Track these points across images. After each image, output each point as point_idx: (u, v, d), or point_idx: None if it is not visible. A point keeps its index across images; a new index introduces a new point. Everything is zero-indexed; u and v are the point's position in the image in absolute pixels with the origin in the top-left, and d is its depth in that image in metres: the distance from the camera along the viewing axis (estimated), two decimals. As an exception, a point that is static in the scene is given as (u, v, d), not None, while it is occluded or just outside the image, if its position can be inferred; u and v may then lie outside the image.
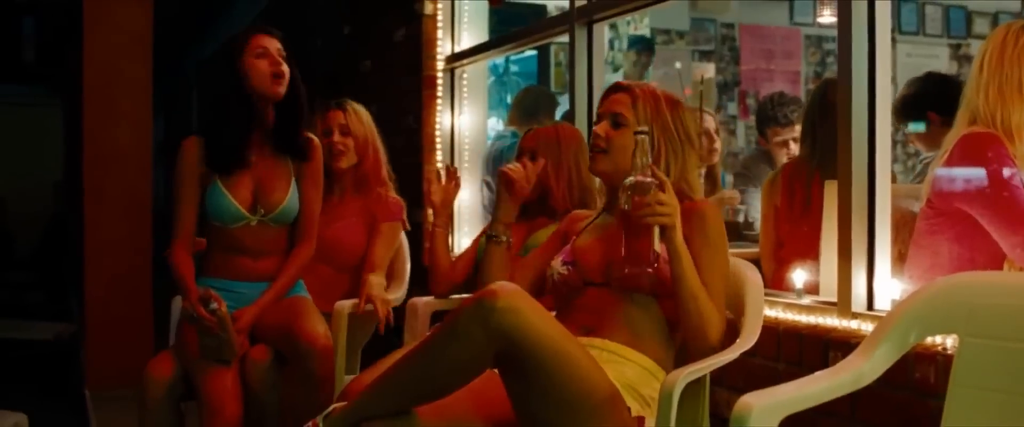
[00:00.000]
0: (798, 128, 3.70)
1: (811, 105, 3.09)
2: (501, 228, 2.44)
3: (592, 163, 2.23)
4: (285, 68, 2.71)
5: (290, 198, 2.78)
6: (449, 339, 1.83)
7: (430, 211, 3.16)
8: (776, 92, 4.33)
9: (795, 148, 3.70)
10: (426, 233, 4.47)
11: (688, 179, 2.21)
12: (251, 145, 2.75)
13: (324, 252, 3.03)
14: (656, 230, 1.94)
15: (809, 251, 2.71)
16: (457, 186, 3.14)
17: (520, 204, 2.53)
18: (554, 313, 2.12)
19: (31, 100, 12.53)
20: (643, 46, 5.89)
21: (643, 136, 1.98)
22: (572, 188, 2.80)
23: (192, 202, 2.75)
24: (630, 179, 1.95)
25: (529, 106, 4.84)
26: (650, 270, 1.97)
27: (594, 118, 2.23)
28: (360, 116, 3.22)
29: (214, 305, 2.55)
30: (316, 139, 2.89)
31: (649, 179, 1.94)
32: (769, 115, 3.99)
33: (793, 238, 2.95)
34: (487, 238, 2.44)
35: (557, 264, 2.23)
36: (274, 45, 2.72)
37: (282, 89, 2.71)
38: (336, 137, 3.16)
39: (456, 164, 4.45)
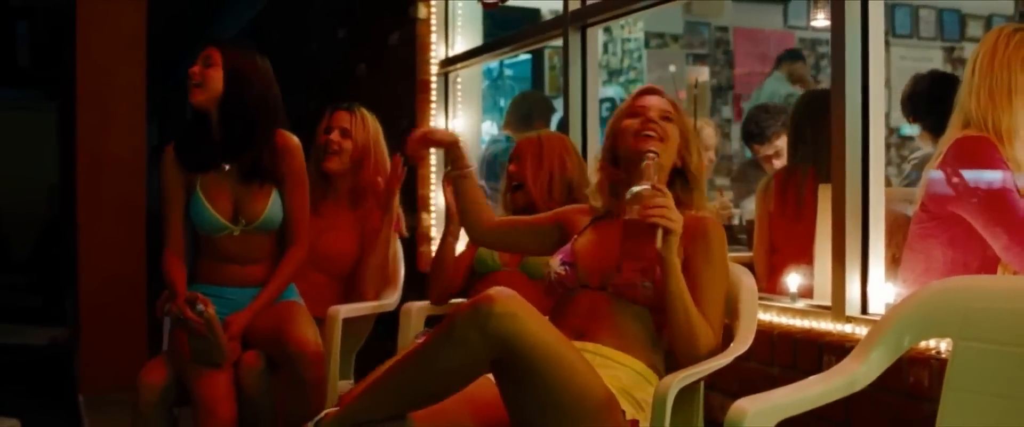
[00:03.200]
0: (777, 141, 3.75)
1: (797, 112, 3.08)
2: (458, 163, 2.40)
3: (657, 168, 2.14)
4: (198, 76, 2.68)
5: (272, 206, 2.75)
6: (446, 344, 1.83)
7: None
8: (756, 106, 4.34)
9: (780, 160, 3.72)
10: (419, 236, 4.47)
11: (700, 187, 2.25)
12: (222, 151, 2.73)
13: (316, 261, 3.03)
14: (660, 232, 1.96)
15: (802, 256, 2.71)
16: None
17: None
18: (548, 316, 2.13)
19: (25, 104, 12.51)
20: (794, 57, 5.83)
21: (655, 156, 2.09)
22: (552, 186, 2.84)
23: (178, 208, 2.75)
24: (638, 188, 1.99)
25: (525, 112, 4.84)
26: (644, 278, 1.99)
27: (630, 112, 2.23)
28: (367, 123, 3.20)
29: (201, 307, 2.55)
30: (293, 138, 2.82)
31: (655, 188, 2.00)
32: (750, 132, 4.01)
33: (786, 243, 2.95)
34: (452, 179, 2.43)
35: (555, 263, 2.23)
36: (204, 51, 2.72)
37: (194, 96, 2.69)
38: (334, 136, 3.15)
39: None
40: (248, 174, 2.73)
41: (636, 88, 2.32)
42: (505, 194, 2.94)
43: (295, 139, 2.83)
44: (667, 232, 1.97)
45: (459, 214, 2.51)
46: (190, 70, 2.70)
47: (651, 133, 2.15)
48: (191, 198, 2.73)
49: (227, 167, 2.74)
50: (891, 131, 5.63)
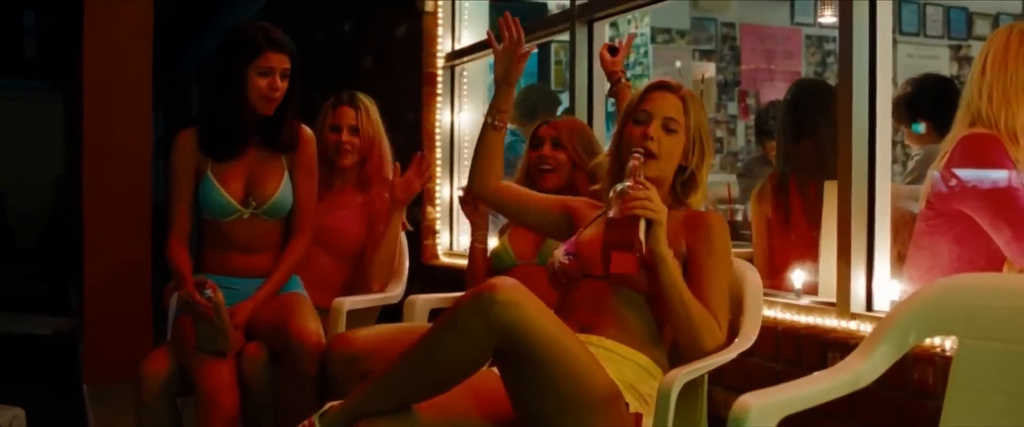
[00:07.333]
0: None
1: (785, 113, 3.06)
2: (500, 115, 2.35)
3: (643, 168, 2.07)
4: (280, 90, 2.69)
5: (283, 190, 2.77)
6: (448, 332, 1.83)
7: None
8: (771, 102, 4.32)
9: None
10: (424, 229, 4.47)
11: (699, 180, 2.21)
12: (244, 134, 2.74)
13: (322, 240, 3.03)
14: (643, 222, 1.94)
15: (800, 259, 2.71)
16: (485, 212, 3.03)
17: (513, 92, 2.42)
18: (554, 309, 2.12)
19: (32, 94, 12.53)
20: None
21: (640, 155, 2.05)
22: (591, 181, 2.70)
23: (186, 196, 2.75)
24: (620, 185, 1.98)
25: (532, 104, 4.84)
26: (636, 255, 1.94)
27: (635, 115, 2.17)
28: (370, 113, 3.20)
29: (209, 292, 2.56)
30: (308, 130, 2.86)
31: (636, 182, 1.98)
32: (766, 129, 3.99)
33: (784, 247, 2.94)
34: (484, 125, 2.37)
35: (560, 254, 2.23)
36: (281, 64, 2.69)
37: (270, 110, 2.71)
38: (345, 136, 3.14)
39: (455, 161, 4.45)
40: (270, 142, 2.75)
41: (646, 81, 2.26)
42: (526, 177, 2.84)
43: (309, 131, 2.88)
44: (650, 222, 1.95)
45: (473, 162, 2.42)
46: (274, 85, 2.68)
47: (639, 152, 2.08)
48: (201, 182, 2.73)
49: (244, 149, 2.75)
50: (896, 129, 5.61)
